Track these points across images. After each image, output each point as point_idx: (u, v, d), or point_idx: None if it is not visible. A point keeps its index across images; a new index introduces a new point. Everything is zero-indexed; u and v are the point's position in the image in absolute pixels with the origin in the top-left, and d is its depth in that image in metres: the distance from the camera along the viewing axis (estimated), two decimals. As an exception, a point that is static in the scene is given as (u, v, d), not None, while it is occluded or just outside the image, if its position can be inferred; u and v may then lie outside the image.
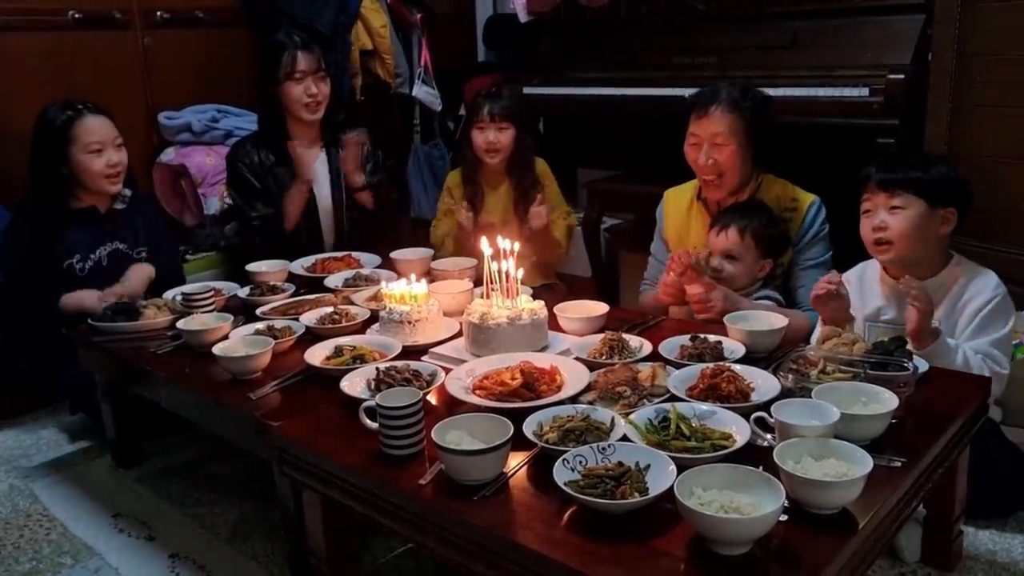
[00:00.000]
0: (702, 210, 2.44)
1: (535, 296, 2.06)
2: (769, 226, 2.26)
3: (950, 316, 1.93)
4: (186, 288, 2.38)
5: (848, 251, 2.19)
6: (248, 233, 2.94)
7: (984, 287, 1.92)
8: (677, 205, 2.54)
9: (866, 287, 2.07)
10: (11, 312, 2.55)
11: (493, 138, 2.80)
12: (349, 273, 2.55)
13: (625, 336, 1.89)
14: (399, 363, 1.79)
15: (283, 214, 2.85)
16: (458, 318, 2.03)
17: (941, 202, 1.91)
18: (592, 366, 1.75)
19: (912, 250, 1.94)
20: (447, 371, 1.76)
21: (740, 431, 1.43)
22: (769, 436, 1.43)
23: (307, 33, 3.32)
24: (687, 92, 3.01)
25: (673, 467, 1.31)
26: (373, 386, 1.70)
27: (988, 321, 1.89)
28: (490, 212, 2.91)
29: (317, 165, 2.93)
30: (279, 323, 2.11)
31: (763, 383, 1.62)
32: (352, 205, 2.98)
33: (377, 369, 1.74)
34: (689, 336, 1.88)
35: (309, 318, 2.15)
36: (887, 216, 1.93)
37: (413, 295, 2.03)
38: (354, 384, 1.73)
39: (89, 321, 2.24)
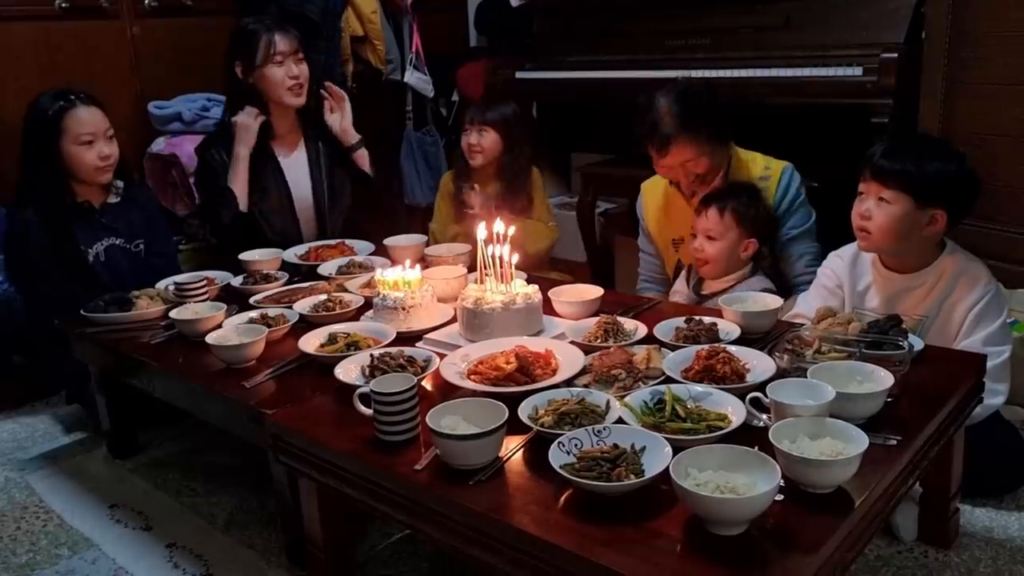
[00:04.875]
0: (676, 194, 2.48)
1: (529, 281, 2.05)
2: (751, 205, 2.27)
3: (940, 316, 1.91)
4: (179, 277, 2.37)
5: (842, 233, 2.18)
6: (212, 232, 2.87)
7: (973, 285, 1.88)
8: (654, 195, 2.58)
9: (858, 269, 2.05)
10: (39, 309, 2.53)
11: (474, 140, 2.89)
12: (343, 260, 2.53)
13: (620, 319, 1.89)
14: (393, 349, 1.78)
15: (231, 197, 2.70)
16: (452, 304, 2.02)
17: (930, 201, 1.84)
18: (587, 349, 1.75)
19: (889, 245, 1.91)
20: (442, 357, 1.75)
21: (736, 412, 1.43)
22: (765, 416, 1.43)
23: (297, 20, 3.29)
24: (681, 75, 3.01)
25: (669, 449, 1.31)
26: (367, 373, 1.69)
27: (979, 319, 1.86)
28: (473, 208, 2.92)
29: (296, 160, 2.85)
30: (273, 311, 2.10)
31: (758, 364, 1.61)
32: (335, 199, 2.89)
33: (371, 356, 1.73)
34: (684, 318, 1.87)
35: (303, 306, 2.14)
36: (873, 206, 1.88)
37: (407, 281, 2.02)
38: (348, 371, 1.72)
39: (82, 312, 2.23)
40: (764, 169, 2.37)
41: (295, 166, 2.86)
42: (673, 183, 2.46)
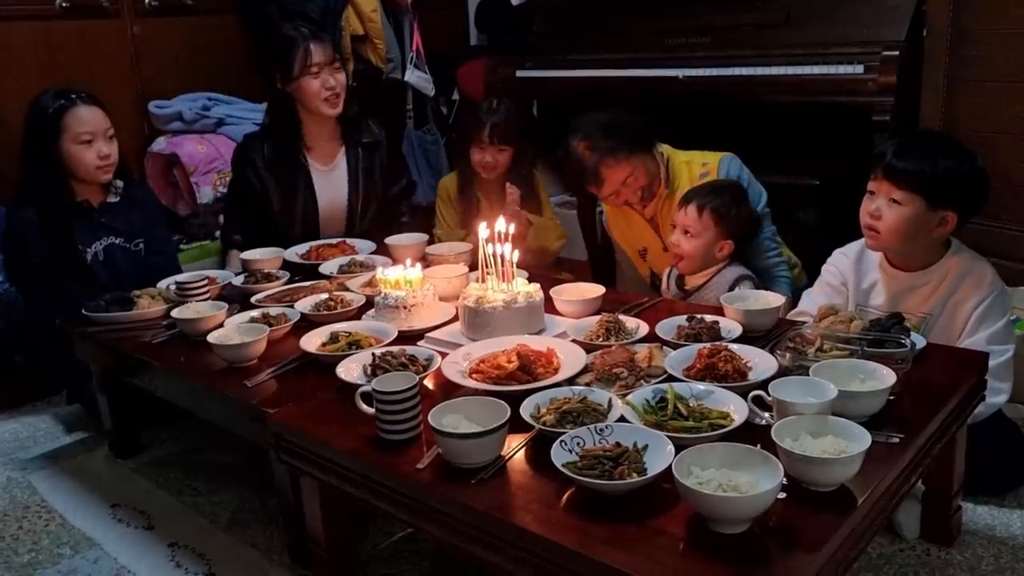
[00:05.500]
0: (630, 208, 2.56)
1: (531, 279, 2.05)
2: (732, 205, 2.27)
3: (944, 314, 1.90)
4: (180, 277, 2.37)
5: (845, 231, 2.18)
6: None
7: (979, 284, 1.87)
8: (613, 210, 2.65)
9: (864, 266, 2.04)
10: (39, 308, 2.54)
11: (491, 159, 2.84)
12: (344, 259, 2.54)
13: (622, 317, 1.89)
14: (395, 348, 1.78)
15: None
16: (454, 302, 2.03)
17: (941, 203, 1.83)
18: (589, 348, 1.75)
19: (897, 245, 1.91)
20: (443, 355, 1.75)
21: (738, 410, 1.43)
22: (767, 414, 1.42)
23: (297, 19, 3.28)
24: (681, 72, 3.02)
25: (671, 447, 1.30)
26: (369, 371, 1.69)
27: (983, 318, 1.86)
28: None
29: (333, 171, 2.84)
30: (274, 310, 2.10)
31: (760, 362, 1.61)
32: (368, 206, 2.90)
33: (373, 354, 1.73)
34: (686, 316, 1.87)
35: (304, 305, 2.14)
36: (884, 205, 1.87)
37: (408, 280, 2.02)
38: (350, 370, 1.72)
39: (83, 311, 2.23)
40: (702, 166, 2.42)
41: (331, 177, 2.84)
42: (626, 204, 2.53)
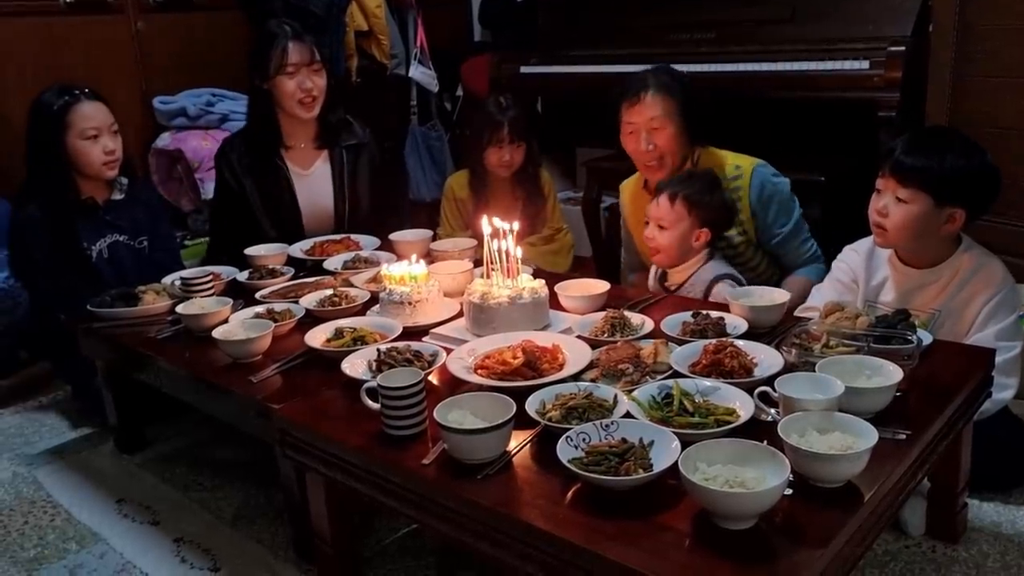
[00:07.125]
0: (648, 197, 2.47)
1: (536, 275, 2.05)
2: (705, 192, 2.20)
3: (954, 310, 1.90)
4: (185, 272, 2.37)
5: (849, 228, 2.17)
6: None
7: (989, 281, 1.87)
8: (632, 195, 2.59)
9: (874, 263, 2.03)
10: (42, 305, 2.54)
11: (509, 157, 2.82)
12: (348, 255, 2.53)
13: (627, 314, 1.88)
14: (400, 344, 1.78)
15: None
16: (458, 299, 2.03)
17: (949, 200, 1.82)
18: (594, 344, 1.74)
19: (905, 242, 1.91)
20: (448, 351, 1.75)
21: (744, 406, 1.43)
22: (773, 411, 1.42)
23: (301, 15, 3.28)
24: (685, 68, 3.01)
25: (677, 443, 1.30)
26: (374, 367, 1.69)
27: (992, 314, 1.86)
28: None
29: (315, 175, 2.79)
30: (279, 306, 2.10)
31: (766, 358, 1.61)
32: (357, 208, 2.84)
33: (378, 350, 1.73)
34: (691, 313, 1.86)
35: (309, 301, 2.14)
36: (892, 204, 1.86)
37: (413, 276, 2.02)
38: (355, 366, 1.72)
39: (88, 307, 2.23)
40: (735, 168, 2.34)
41: (312, 180, 2.79)
42: (638, 168, 2.45)
